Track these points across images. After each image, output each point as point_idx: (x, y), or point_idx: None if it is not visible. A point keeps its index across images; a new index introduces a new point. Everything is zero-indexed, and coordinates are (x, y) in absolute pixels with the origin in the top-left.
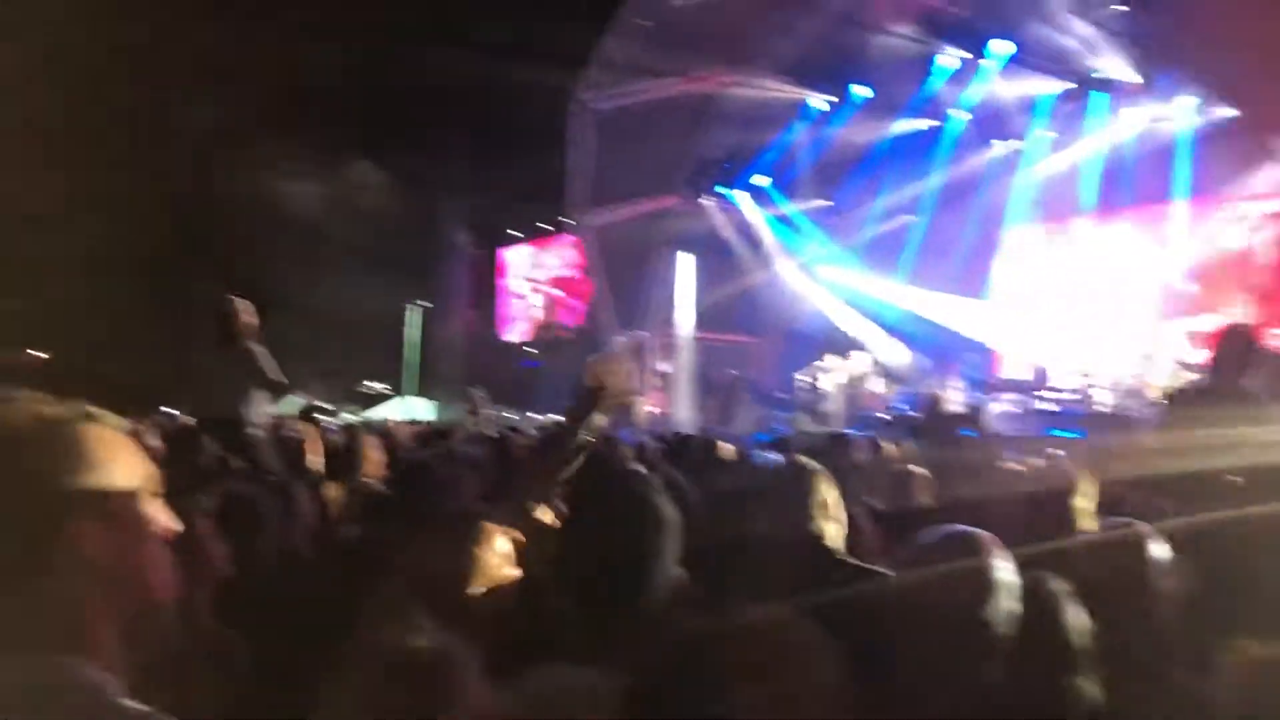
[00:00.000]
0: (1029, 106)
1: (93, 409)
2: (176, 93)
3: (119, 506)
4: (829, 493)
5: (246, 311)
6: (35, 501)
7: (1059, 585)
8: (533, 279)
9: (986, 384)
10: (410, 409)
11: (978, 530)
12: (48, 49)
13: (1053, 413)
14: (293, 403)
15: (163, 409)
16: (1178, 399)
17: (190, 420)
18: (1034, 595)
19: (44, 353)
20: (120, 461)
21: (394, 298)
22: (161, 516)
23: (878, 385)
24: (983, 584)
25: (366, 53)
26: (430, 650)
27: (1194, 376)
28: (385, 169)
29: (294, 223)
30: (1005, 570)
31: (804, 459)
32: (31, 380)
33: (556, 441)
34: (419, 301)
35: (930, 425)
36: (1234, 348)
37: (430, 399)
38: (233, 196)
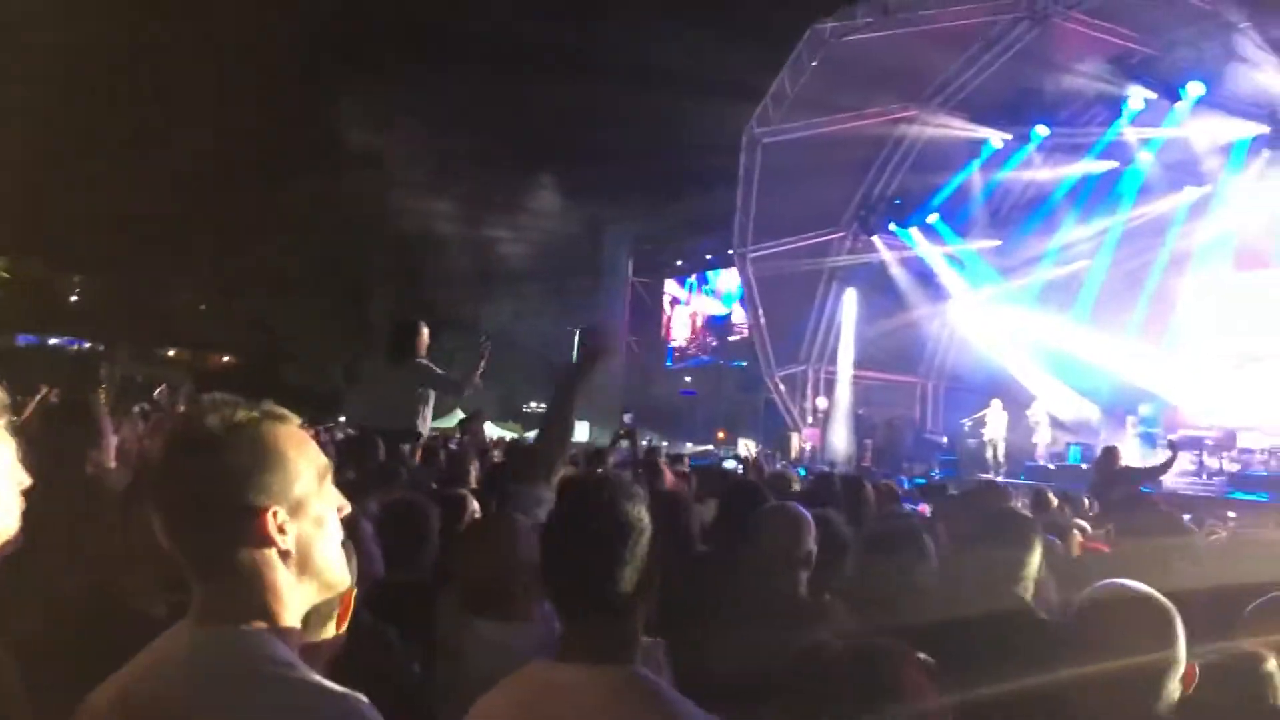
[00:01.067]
0: (1222, 151)
1: (277, 408)
2: (360, 122)
3: (301, 497)
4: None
5: (423, 331)
6: (227, 493)
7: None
8: (695, 309)
9: (1164, 439)
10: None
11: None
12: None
13: (1237, 474)
14: (454, 418)
15: (340, 418)
16: None
17: (361, 428)
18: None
19: (233, 358)
20: (302, 457)
21: (560, 321)
22: (338, 508)
23: (1045, 434)
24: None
25: (538, 82)
26: None
27: None
28: (555, 195)
29: (467, 246)
30: (1181, 640)
31: (1025, 514)
32: (219, 382)
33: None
34: (581, 326)
35: (1104, 480)
36: None
37: (587, 422)
38: (411, 220)
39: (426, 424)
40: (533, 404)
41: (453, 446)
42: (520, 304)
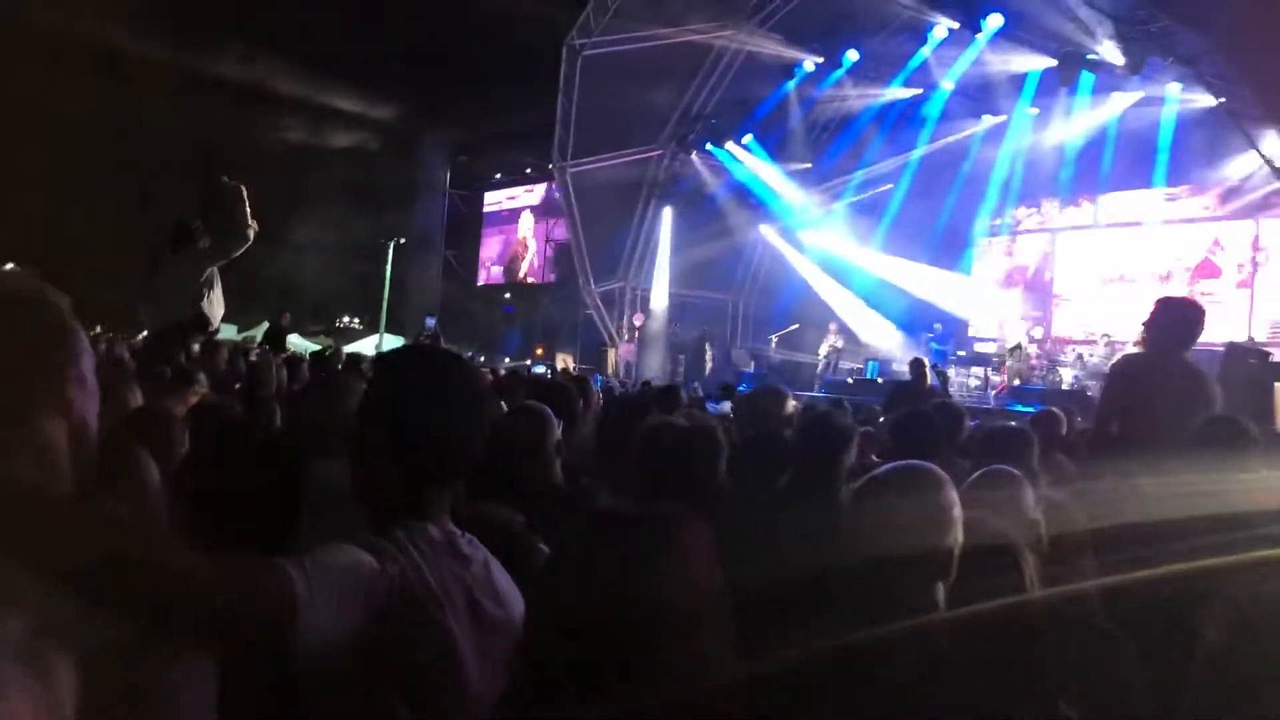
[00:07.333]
0: (1016, 82)
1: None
2: (146, 19)
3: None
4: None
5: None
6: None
7: None
8: (514, 223)
9: (954, 355)
10: (382, 345)
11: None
12: None
13: (1017, 387)
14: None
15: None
16: (1118, 366)
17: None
18: None
19: (17, 265)
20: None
21: (374, 234)
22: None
23: (847, 350)
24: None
25: None
26: None
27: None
28: (369, 101)
29: (274, 153)
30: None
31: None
32: None
33: None
34: (397, 239)
35: (906, 391)
36: (1171, 318)
37: (402, 336)
38: (212, 126)
39: (216, 310)
40: (346, 318)
41: (254, 358)
42: (331, 214)
